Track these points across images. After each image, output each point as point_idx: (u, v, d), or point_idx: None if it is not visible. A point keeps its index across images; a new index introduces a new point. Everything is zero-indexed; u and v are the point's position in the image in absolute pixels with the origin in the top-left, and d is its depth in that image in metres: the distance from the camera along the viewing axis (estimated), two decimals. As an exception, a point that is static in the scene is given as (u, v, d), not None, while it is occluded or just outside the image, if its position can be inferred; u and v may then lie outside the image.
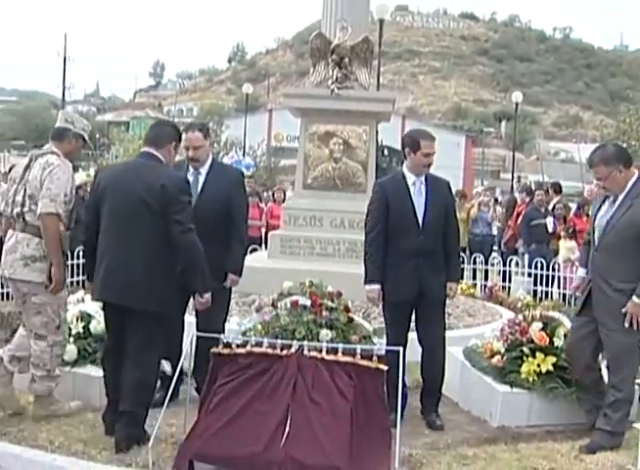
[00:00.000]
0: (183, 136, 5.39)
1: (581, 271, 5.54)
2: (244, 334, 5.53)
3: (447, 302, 5.75)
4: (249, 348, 4.73)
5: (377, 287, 5.50)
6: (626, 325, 4.93)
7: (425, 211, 5.49)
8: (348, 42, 8.44)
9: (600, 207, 5.29)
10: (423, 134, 5.66)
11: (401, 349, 4.74)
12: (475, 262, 11.75)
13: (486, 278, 11.95)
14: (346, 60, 8.44)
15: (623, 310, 4.93)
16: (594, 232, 5.23)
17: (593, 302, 5.14)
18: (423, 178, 5.58)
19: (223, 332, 5.35)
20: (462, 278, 6.01)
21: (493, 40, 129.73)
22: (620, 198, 5.08)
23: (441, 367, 5.61)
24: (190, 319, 5.78)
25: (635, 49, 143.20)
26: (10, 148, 41.59)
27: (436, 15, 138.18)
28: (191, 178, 5.56)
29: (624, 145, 28.57)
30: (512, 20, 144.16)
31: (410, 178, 5.57)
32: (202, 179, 5.70)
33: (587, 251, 5.44)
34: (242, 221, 5.77)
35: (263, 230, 13.69)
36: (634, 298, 4.89)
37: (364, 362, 4.59)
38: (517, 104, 37.64)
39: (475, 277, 12.11)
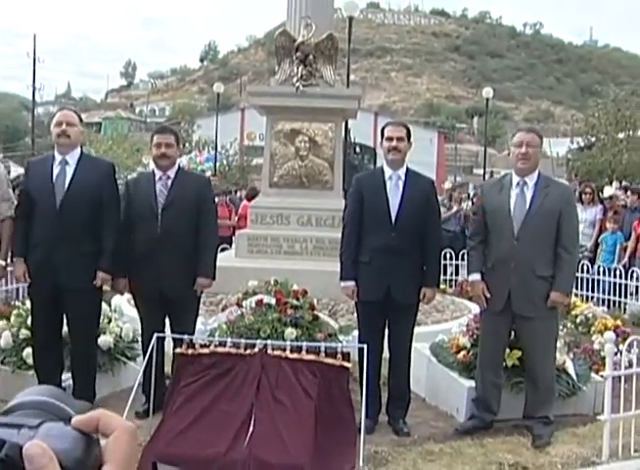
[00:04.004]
0: (58, 113, 5.50)
1: (476, 276, 5.35)
2: (210, 334, 5.50)
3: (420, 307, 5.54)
4: (212, 348, 4.72)
5: (351, 284, 5.30)
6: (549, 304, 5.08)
7: (399, 208, 5.24)
8: (313, 39, 8.37)
9: (496, 194, 5.34)
10: (390, 123, 5.62)
11: (365, 346, 4.74)
12: (445, 258, 11.76)
13: (457, 273, 11.98)
14: (311, 57, 8.37)
15: (549, 303, 5.06)
16: (500, 222, 5.22)
17: (512, 295, 5.13)
18: (402, 173, 5.35)
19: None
20: (438, 286, 5.76)
21: (464, 36, 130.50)
22: (531, 186, 5.19)
23: (404, 378, 5.42)
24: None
25: (604, 44, 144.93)
26: (-20, 151, 41.07)
27: (408, 12, 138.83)
28: (57, 170, 5.30)
29: (594, 139, 28.93)
30: (483, 16, 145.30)
31: (387, 172, 5.36)
32: (70, 171, 5.30)
33: (480, 253, 5.36)
34: (116, 216, 5.44)
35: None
36: (556, 291, 5.07)
37: (328, 360, 4.59)
38: (488, 100, 37.78)
39: (445, 273, 12.12)
